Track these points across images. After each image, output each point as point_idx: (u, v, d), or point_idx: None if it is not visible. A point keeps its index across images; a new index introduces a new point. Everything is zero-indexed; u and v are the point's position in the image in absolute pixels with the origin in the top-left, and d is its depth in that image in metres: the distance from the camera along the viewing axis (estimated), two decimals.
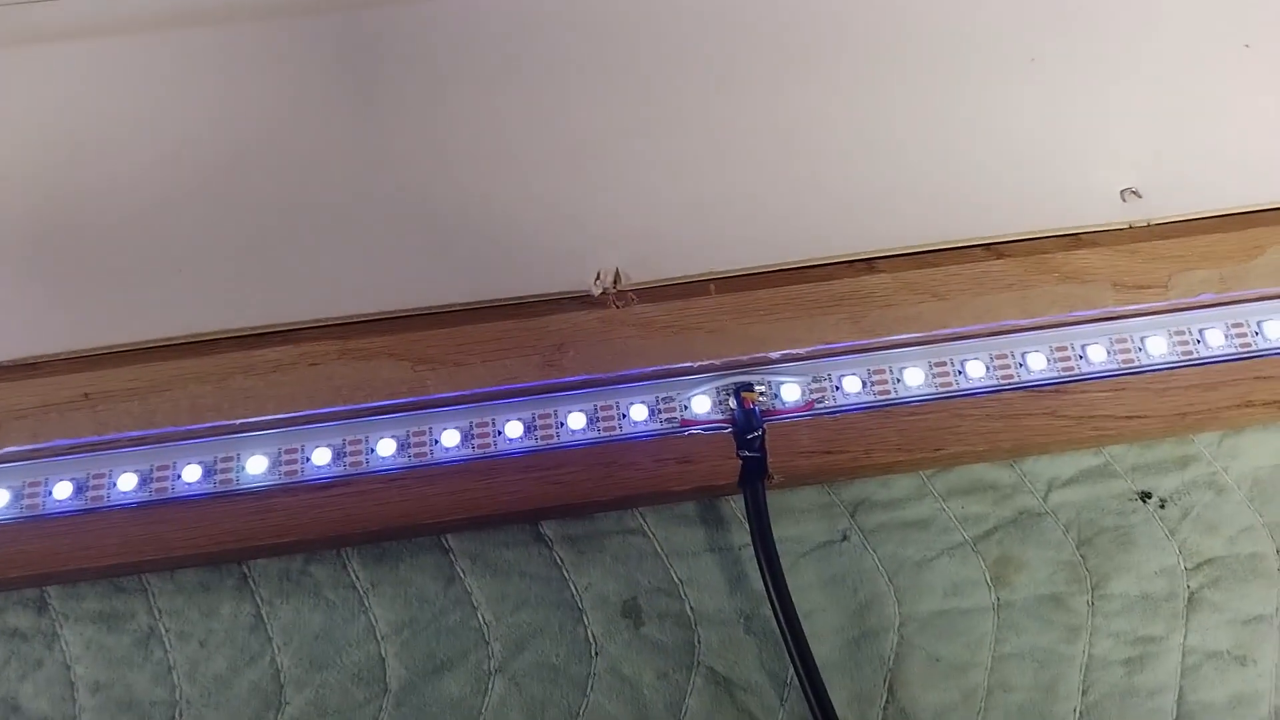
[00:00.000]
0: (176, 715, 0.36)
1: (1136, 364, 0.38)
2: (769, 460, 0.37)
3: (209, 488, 0.37)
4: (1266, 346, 0.38)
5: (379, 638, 0.37)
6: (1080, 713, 0.36)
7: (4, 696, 0.37)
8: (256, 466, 0.37)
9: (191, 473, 0.37)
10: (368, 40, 0.42)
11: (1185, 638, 0.36)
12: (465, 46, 0.42)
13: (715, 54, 0.42)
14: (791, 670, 0.36)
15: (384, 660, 0.37)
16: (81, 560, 0.37)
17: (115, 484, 0.37)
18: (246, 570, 0.38)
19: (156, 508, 0.37)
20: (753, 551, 0.37)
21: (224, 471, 0.37)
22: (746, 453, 0.37)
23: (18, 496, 0.37)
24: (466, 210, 0.40)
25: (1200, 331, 0.38)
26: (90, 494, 0.37)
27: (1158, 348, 0.38)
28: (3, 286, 0.39)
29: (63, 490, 0.37)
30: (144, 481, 0.37)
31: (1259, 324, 0.38)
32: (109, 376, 0.38)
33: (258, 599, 0.38)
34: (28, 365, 0.39)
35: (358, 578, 0.38)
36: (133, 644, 0.37)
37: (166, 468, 0.37)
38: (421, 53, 0.42)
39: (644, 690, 0.36)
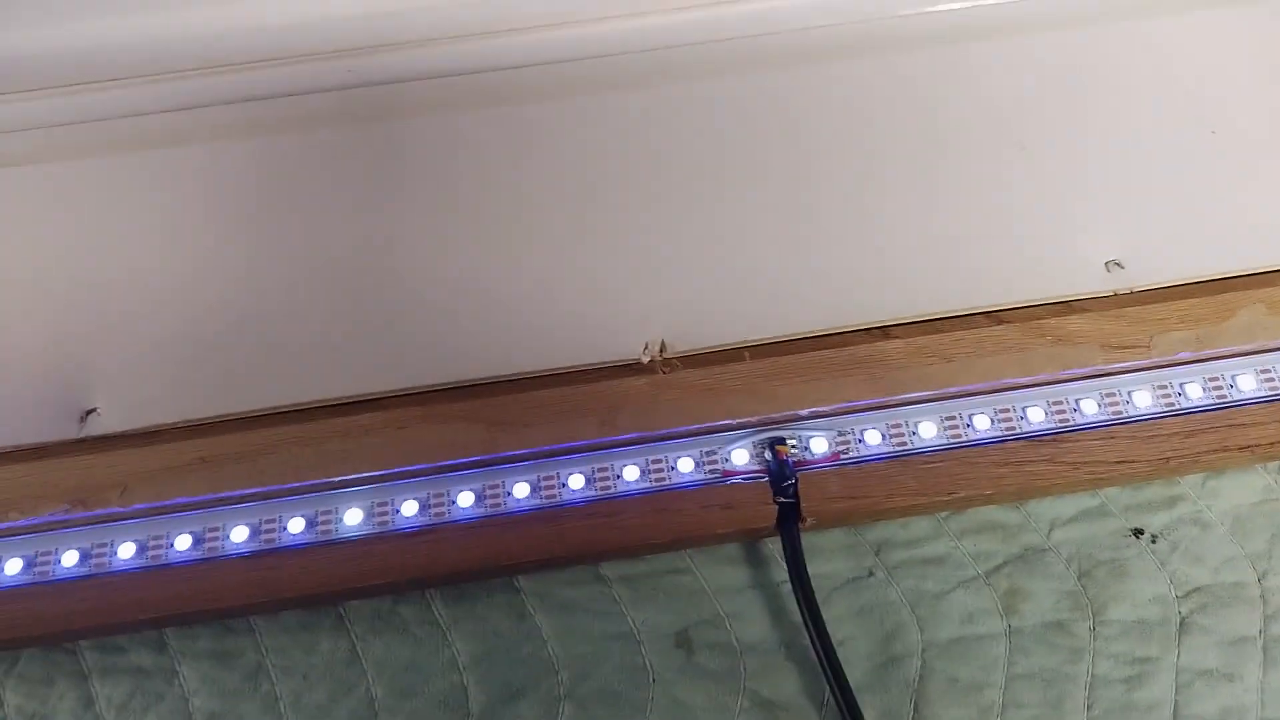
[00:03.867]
0: None
1: (1124, 415, 0.43)
2: (802, 505, 0.42)
3: (311, 538, 0.42)
4: (1240, 397, 0.43)
5: (461, 668, 0.42)
6: None
7: None
8: (353, 518, 0.42)
9: (296, 525, 0.42)
10: (421, 139, 0.48)
11: (1178, 658, 0.41)
12: (526, 148, 0.48)
13: (744, 151, 0.47)
14: (828, 692, 0.40)
15: (465, 688, 0.41)
16: (199, 604, 0.42)
17: (229, 536, 0.42)
18: (342, 611, 0.43)
19: (265, 556, 0.42)
20: (790, 587, 0.42)
21: (324, 523, 0.42)
22: (782, 499, 0.42)
23: (143, 549, 0.43)
24: (531, 292, 0.45)
25: (1180, 385, 0.43)
26: (207, 545, 0.42)
27: (1143, 400, 0.43)
28: (126, 365, 0.45)
29: (183, 542, 0.42)
30: (254, 533, 0.42)
31: (1233, 378, 0.43)
32: (221, 442, 0.43)
33: (353, 636, 0.43)
34: (150, 433, 0.44)
35: (440, 615, 0.43)
36: (243, 678, 0.42)
37: (273, 521, 0.43)
38: (486, 156, 0.48)
39: (697, 713, 0.41)
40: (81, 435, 0.44)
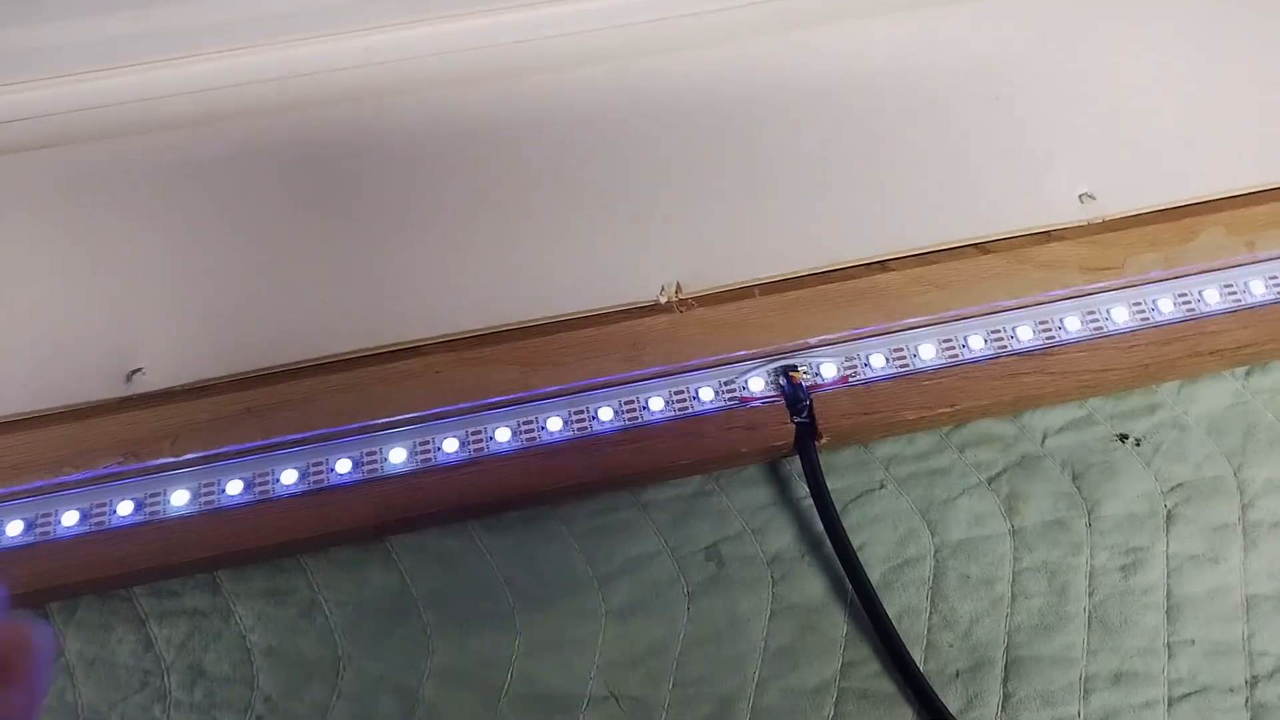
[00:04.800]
0: (341, 668, 0.43)
1: (1104, 329, 0.47)
2: (818, 423, 0.45)
3: (358, 477, 0.45)
4: (1206, 309, 0.47)
5: (508, 593, 0.44)
6: (1089, 611, 0.43)
7: (191, 664, 0.44)
8: (397, 457, 0.45)
9: (343, 465, 0.45)
10: (450, 108, 0.51)
11: (1168, 546, 0.45)
12: (547, 116, 0.51)
13: (747, 111, 0.51)
14: (851, 591, 0.43)
15: (513, 609, 0.44)
16: (253, 542, 0.44)
17: (279, 479, 0.45)
18: (389, 546, 0.45)
19: (314, 495, 0.44)
20: (807, 503, 0.45)
21: (370, 463, 0.45)
22: (799, 419, 0.45)
23: (195, 496, 0.45)
24: (555, 242, 0.48)
25: (1153, 300, 0.47)
26: (258, 489, 0.45)
27: (1120, 315, 0.47)
28: (169, 324, 0.47)
29: (234, 487, 0.45)
30: (303, 475, 0.45)
31: (1199, 292, 0.47)
32: (267, 393, 0.46)
33: (401, 568, 0.45)
34: (196, 388, 0.46)
35: (483, 543, 0.45)
36: (298, 613, 0.44)
37: (321, 463, 0.45)
38: (510, 123, 0.51)
39: (730, 618, 0.44)
40: (129, 393, 0.46)
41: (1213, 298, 0.47)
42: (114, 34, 0.51)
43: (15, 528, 0.44)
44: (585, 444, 0.45)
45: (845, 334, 0.47)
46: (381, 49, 0.51)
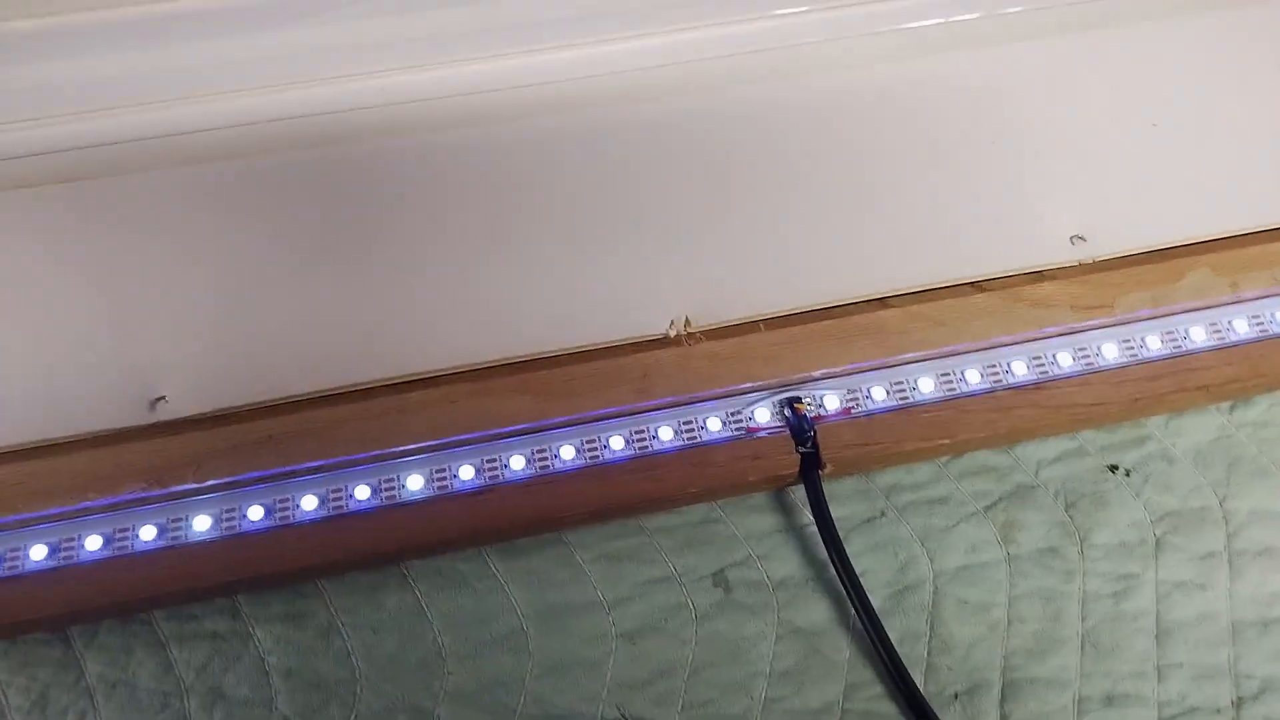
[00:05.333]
0: (358, 690, 0.44)
1: (1095, 365, 0.49)
2: (822, 453, 0.47)
3: (376, 503, 0.46)
4: (1193, 347, 0.49)
5: (520, 616, 0.46)
6: (1082, 635, 0.45)
7: (211, 687, 0.45)
8: (414, 484, 0.46)
9: (362, 492, 0.46)
10: (469, 148, 0.53)
11: (1157, 573, 0.46)
12: (561, 156, 0.53)
13: (757, 151, 0.53)
14: (854, 616, 0.45)
15: (525, 631, 0.45)
16: (274, 567, 0.45)
17: (299, 505, 0.46)
18: (405, 570, 0.47)
19: (334, 521, 0.46)
20: (811, 530, 0.47)
21: (388, 489, 0.46)
22: (803, 449, 0.47)
23: (217, 521, 0.46)
24: (567, 279, 0.50)
25: (1142, 338, 0.49)
26: (278, 514, 0.46)
27: (1110, 352, 0.49)
28: (192, 354, 0.49)
29: (255, 513, 0.46)
30: (323, 501, 0.46)
31: (1186, 330, 0.50)
32: (288, 421, 0.47)
33: (417, 591, 0.46)
34: (219, 416, 0.48)
35: (497, 569, 0.47)
36: (316, 635, 0.46)
37: (340, 490, 0.46)
38: (526, 164, 0.53)
39: (737, 642, 0.45)
40: (153, 421, 0.48)
41: (1199, 335, 0.49)
42: (137, 69, 0.52)
43: (39, 552, 0.45)
44: (597, 472, 0.47)
45: (847, 368, 0.48)
46: (397, 90, 0.53)
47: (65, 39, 0.51)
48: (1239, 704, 0.44)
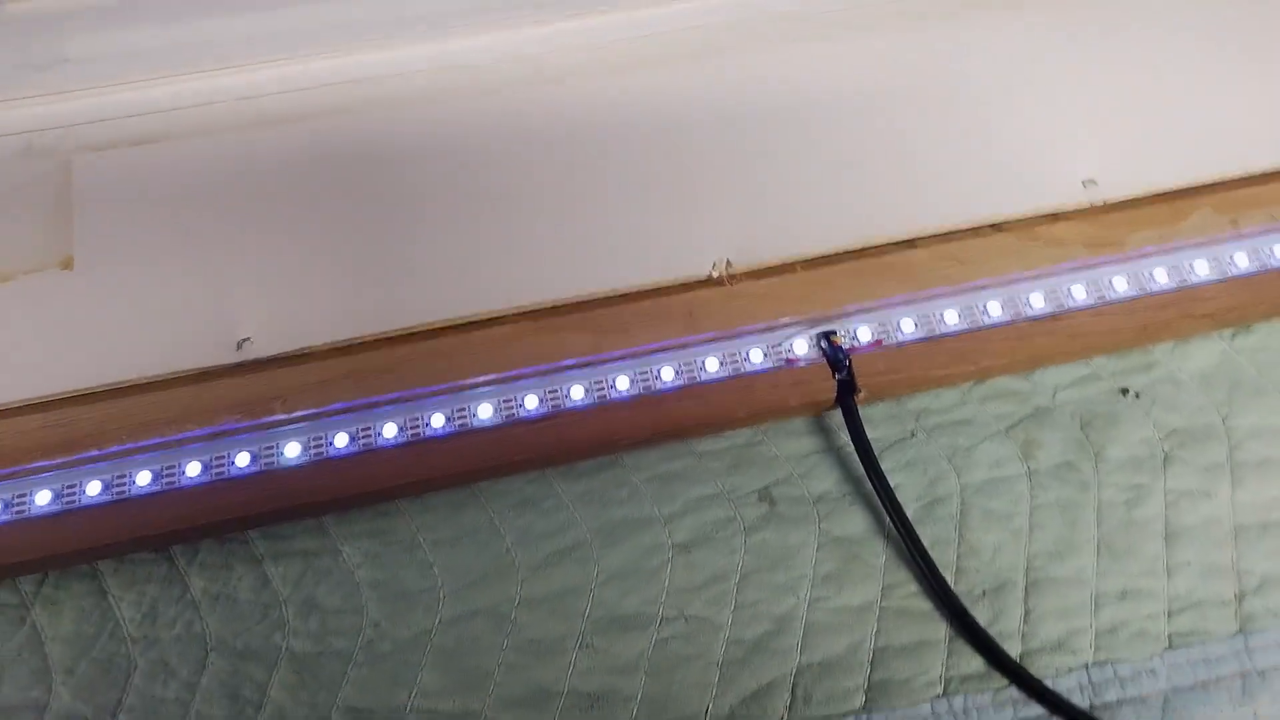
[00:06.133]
0: (440, 597, 0.49)
1: (1108, 297, 0.53)
2: (857, 379, 0.51)
3: (450, 429, 0.50)
4: (1196, 280, 0.53)
5: (586, 532, 0.50)
6: (1097, 540, 0.49)
7: (306, 598, 0.49)
8: (484, 412, 0.51)
9: (437, 420, 0.50)
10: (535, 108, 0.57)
11: (1165, 483, 0.51)
12: (620, 115, 0.57)
13: (795, 110, 0.57)
14: (889, 524, 0.49)
15: (590, 544, 0.50)
16: (359, 488, 0.49)
17: (380, 432, 0.50)
18: (477, 491, 0.51)
19: (413, 446, 0.50)
20: (849, 450, 0.51)
21: (460, 418, 0.51)
22: (840, 376, 0.51)
23: (306, 448, 0.50)
24: (621, 226, 0.54)
25: (1150, 272, 0.53)
26: (361, 441, 0.50)
27: (1121, 285, 0.53)
28: (274, 297, 0.53)
29: (340, 440, 0.50)
30: (402, 430, 0.50)
31: (1190, 264, 0.54)
32: (366, 358, 0.51)
33: (489, 511, 0.51)
34: (301, 355, 0.52)
35: (560, 490, 0.51)
36: (399, 550, 0.50)
37: (417, 418, 0.51)
38: (585, 123, 0.57)
39: (782, 550, 0.49)
40: (240, 360, 0.52)
41: (1202, 269, 0.54)
42: (215, 37, 0.57)
43: (144, 478, 0.49)
44: (650, 400, 0.51)
45: (878, 302, 0.53)
46: (462, 54, 0.57)
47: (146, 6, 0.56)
48: (1240, 597, 0.48)
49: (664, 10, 0.57)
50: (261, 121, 0.57)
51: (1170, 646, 0.47)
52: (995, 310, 0.53)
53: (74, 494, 0.49)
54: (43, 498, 0.49)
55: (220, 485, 0.50)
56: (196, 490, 0.49)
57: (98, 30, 0.57)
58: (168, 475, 0.50)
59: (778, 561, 0.49)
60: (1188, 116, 0.57)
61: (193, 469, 0.50)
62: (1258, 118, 0.57)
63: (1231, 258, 0.54)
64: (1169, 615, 0.47)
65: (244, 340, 0.52)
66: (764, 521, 0.50)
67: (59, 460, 0.49)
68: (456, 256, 0.53)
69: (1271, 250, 0.54)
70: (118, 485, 0.49)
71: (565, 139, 0.56)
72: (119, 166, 0.56)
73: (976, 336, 0.52)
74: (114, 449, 0.49)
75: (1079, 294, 0.53)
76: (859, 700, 0.46)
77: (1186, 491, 0.50)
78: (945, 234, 0.54)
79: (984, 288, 0.53)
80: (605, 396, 0.51)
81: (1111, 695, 0.46)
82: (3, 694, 0.47)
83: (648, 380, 0.51)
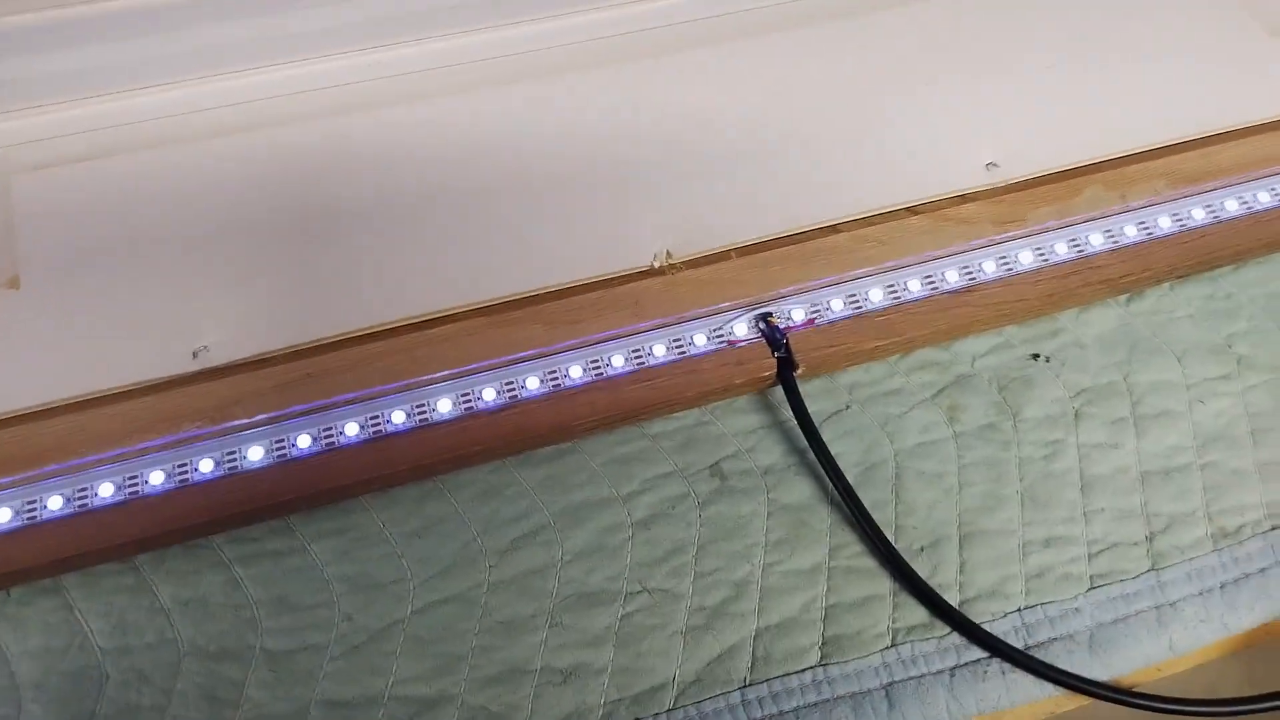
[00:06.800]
0: (410, 588, 0.50)
1: (1014, 269, 0.57)
2: (795, 356, 0.54)
3: (411, 424, 0.52)
4: (1092, 250, 0.58)
5: (548, 516, 0.52)
6: (1021, 493, 0.54)
7: (277, 596, 0.50)
8: (444, 407, 0.52)
9: (398, 416, 0.52)
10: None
11: (1078, 437, 0.55)
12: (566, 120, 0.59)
13: (725, 111, 0.60)
14: (832, 490, 0.53)
15: (553, 526, 0.52)
16: (324, 484, 0.51)
17: (343, 431, 0.52)
18: (440, 483, 0.53)
19: (375, 443, 0.52)
20: (791, 424, 0.54)
21: (420, 413, 0.52)
22: (779, 354, 0.54)
23: (268, 451, 0.51)
24: (569, 222, 0.56)
25: (1051, 245, 0.58)
26: (324, 441, 0.52)
27: (1025, 258, 0.58)
28: (228, 305, 0.54)
29: (303, 441, 0.51)
30: (363, 428, 0.52)
31: (1086, 236, 0.58)
32: (324, 360, 0.53)
33: (453, 501, 0.52)
34: (259, 361, 0.53)
35: (521, 477, 0.53)
36: (367, 544, 0.51)
37: (378, 416, 0.52)
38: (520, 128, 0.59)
39: (735, 520, 0.52)
40: (198, 368, 0.53)
41: (1097, 240, 0.58)
42: (152, 53, 0.58)
43: (106, 490, 0.50)
44: (602, 385, 0.53)
45: (809, 284, 0.56)
46: (402, 62, 0.59)
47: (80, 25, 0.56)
48: (1151, 538, 0.53)
49: (595, 17, 0.60)
50: (205, 134, 0.58)
51: (1092, 586, 0.51)
52: (915, 287, 0.57)
53: (34, 509, 0.49)
54: (3, 515, 0.49)
55: (185, 492, 0.50)
56: (160, 498, 0.50)
57: (31, 51, 0.57)
58: (130, 485, 0.50)
59: (731, 532, 0.52)
60: (1077, 101, 0.63)
61: (155, 478, 0.50)
62: (1140, 100, 0.63)
63: (1122, 229, 0.59)
64: (1089, 558, 0.52)
65: (201, 349, 0.53)
66: (716, 495, 0.53)
67: (19, 476, 0.49)
68: (408, 257, 0.55)
69: (1156, 221, 0.59)
70: (79, 498, 0.50)
71: (510, 143, 0.59)
72: (60, 184, 0.56)
73: (899, 311, 0.56)
74: (75, 462, 0.50)
75: (989, 268, 0.57)
76: (815, 656, 0.49)
77: (1097, 444, 0.55)
78: (865, 218, 0.58)
79: (904, 266, 0.57)
80: (559, 385, 0.53)
81: (1043, 635, 0.50)
82: None
83: (599, 368, 0.54)
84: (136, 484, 0.50)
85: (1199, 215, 0.60)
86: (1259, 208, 0.60)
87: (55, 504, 0.50)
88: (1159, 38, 0.65)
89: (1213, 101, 0.63)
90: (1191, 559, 0.52)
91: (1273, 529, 0.53)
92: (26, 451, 0.50)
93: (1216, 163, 0.61)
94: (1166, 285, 0.60)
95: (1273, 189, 0.61)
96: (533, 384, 0.53)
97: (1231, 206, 0.60)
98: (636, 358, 0.54)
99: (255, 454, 0.51)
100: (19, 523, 0.49)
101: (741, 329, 0.55)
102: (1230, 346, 0.58)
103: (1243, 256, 0.60)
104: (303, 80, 0.58)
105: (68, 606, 0.49)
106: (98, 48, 0.56)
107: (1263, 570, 0.52)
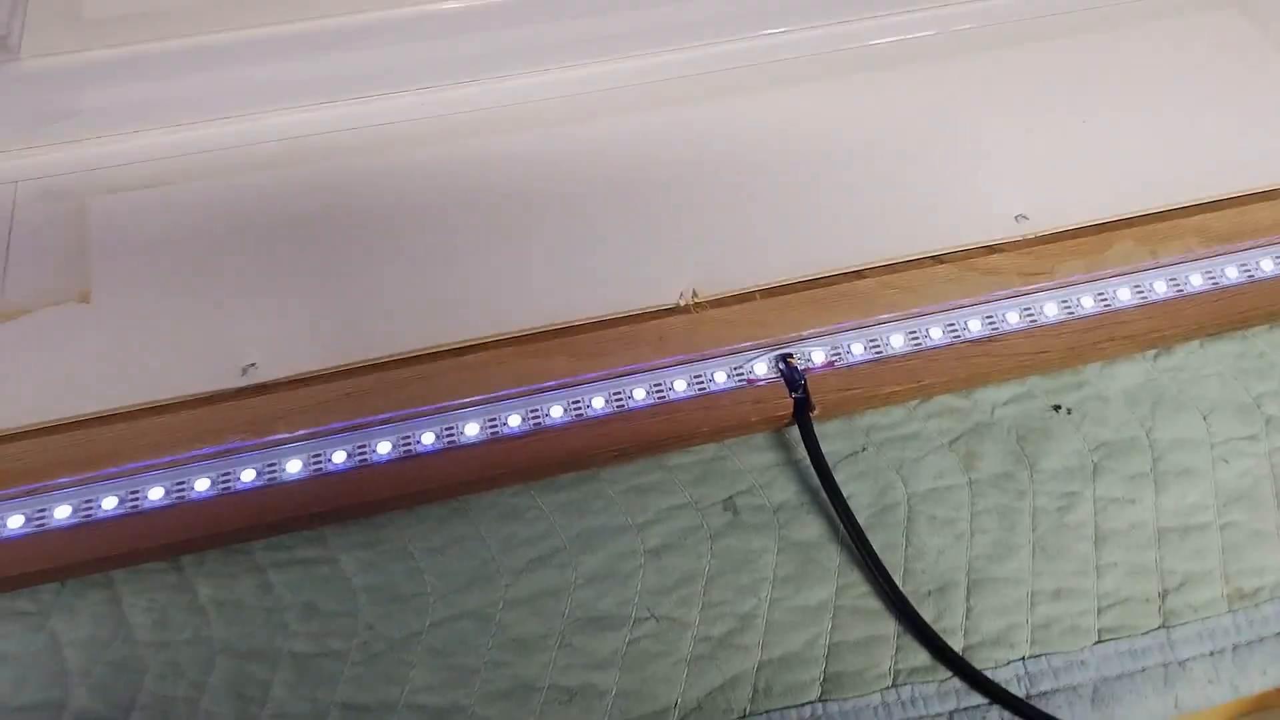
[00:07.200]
0: (430, 601, 0.53)
1: (1039, 321, 0.58)
2: (811, 397, 0.56)
3: (440, 446, 0.55)
4: (1120, 305, 0.58)
5: (565, 539, 0.54)
6: (1033, 543, 0.54)
7: (305, 602, 0.53)
8: (471, 430, 0.55)
9: (428, 438, 0.55)
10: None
11: (1095, 491, 0.55)
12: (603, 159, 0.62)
13: (756, 155, 0.63)
14: (843, 531, 0.54)
15: (568, 550, 0.54)
16: (356, 499, 0.54)
17: (375, 450, 0.55)
18: (464, 503, 0.55)
19: (405, 461, 0.54)
20: (805, 463, 0.56)
21: (449, 436, 0.55)
22: (796, 395, 0.56)
23: (306, 464, 0.55)
24: (600, 259, 0.59)
25: (1077, 298, 0.59)
26: (358, 458, 0.55)
27: (1051, 310, 0.58)
28: (277, 325, 0.57)
29: (338, 457, 0.55)
30: (395, 447, 0.55)
31: (1114, 291, 0.59)
32: (363, 381, 0.56)
33: (476, 522, 0.55)
34: (303, 379, 0.56)
35: (541, 502, 0.55)
36: (392, 558, 0.54)
37: (409, 436, 0.55)
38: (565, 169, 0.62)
39: (745, 554, 0.54)
40: (245, 384, 0.56)
41: (1125, 295, 0.59)
42: (216, 89, 0.62)
43: (156, 493, 0.54)
44: (623, 418, 0.55)
45: (830, 328, 0.57)
46: (458, 102, 0.63)
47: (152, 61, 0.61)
48: (1164, 594, 0.52)
49: (633, 64, 0.63)
50: (262, 165, 0.62)
51: (1099, 640, 0.51)
52: (936, 334, 0.58)
53: (91, 508, 0.53)
54: (62, 511, 0.53)
55: (227, 499, 0.54)
56: (205, 504, 0.53)
57: (108, 83, 0.62)
58: (178, 490, 0.54)
59: (741, 565, 0.53)
60: (1111, 155, 0.63)
61: (201, 484, 0.54)
62: (1175, 156, 0.63)
63: (1151, 285, 0.59)
64: (1098, 612, 0.52)
65: (249, 366, 0.57)
66: (728, 528, 0.54)
67: (79, 477, 0.53)
68: (444, 288, 0.58)
69: (1187, 278, 0.59)
70: (131, 500, 0.53)
71: (548, 181, 0.62)
72: (131, 207, 0.61)
73: (920, 357, 0.57)
74: (129, 466, 0.54)
75: (1013, 319, 0.58)
76: (815, 691, 0.51)
77: (1114, 499, 0.55)
78: (891, 265, 0.59)
79: (927, 313, 0.58)
80: (582, 415, 0.56)
81: (1046, 685, 0.51)
82: (24, 694, 0.50)
83: (621, 400, 0.56)
84: (184, 489, 0.54)
85: (1232, 274, 0.60)
86: None
87: (110, 504, 0.53)
88: (1196, 93, 0.65)
89: (1250, 159, 0.63)
90: (1205, 619, 0.52)
91: None
92: (88, 454, 0.54)
93: (1252, 221, 0.61)
94: (1197, 342, 0.60)
95: None
96: (556, 413, 0.56)
97: (1267, 266, 0.60)
98: (658, 392, 0.56)
99: (294, 467, 0.54)
100: (76, 520, 0.53)
101: (761, 368, 0.57)
102: (1260, 406, 0.58)
103: (1276, 318, 0.60)
104: (352, 118, 0.62)
105: (115, 600, 0.53)
106: (167, 82, 0.61)
107: (1278, 634, 0.51)
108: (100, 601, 0.53)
